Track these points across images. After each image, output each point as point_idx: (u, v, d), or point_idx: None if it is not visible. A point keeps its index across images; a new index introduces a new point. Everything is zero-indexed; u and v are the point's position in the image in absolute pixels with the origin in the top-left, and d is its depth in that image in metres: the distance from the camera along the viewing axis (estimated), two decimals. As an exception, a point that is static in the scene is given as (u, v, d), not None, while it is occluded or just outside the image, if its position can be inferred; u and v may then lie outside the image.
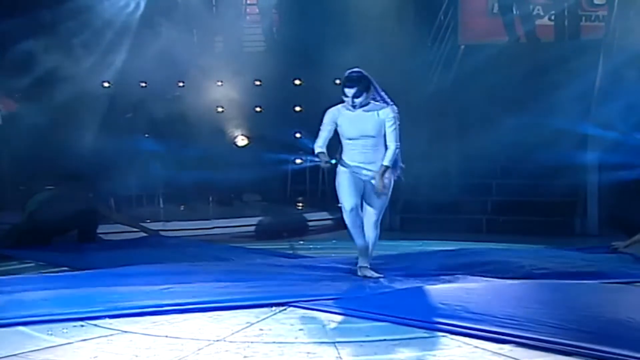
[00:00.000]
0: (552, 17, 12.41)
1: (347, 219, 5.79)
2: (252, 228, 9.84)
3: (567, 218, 8.96)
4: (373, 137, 5.70)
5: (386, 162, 5.68)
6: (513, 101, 10.36)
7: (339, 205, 5.86)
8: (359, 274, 5.80)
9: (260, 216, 10.30)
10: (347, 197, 5.76)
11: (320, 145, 5.82)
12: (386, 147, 5.70)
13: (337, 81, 12.16)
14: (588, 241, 8.19)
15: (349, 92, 5.68)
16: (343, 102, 5.77)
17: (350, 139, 5.74)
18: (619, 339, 3.87)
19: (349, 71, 5.74)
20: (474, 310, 4.51)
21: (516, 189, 9.31)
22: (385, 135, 5.69)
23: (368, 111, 5.72)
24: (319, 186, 11.90)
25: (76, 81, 10.85)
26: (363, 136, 5.70)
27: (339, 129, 5.77)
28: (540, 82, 10.58)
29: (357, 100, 5.67)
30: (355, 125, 5.71)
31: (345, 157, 5.76)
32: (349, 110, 5.73)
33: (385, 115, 5.70)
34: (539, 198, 9.17)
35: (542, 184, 9.18)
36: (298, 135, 12.02)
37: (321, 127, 5.85)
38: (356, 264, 5.90)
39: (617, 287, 5.41)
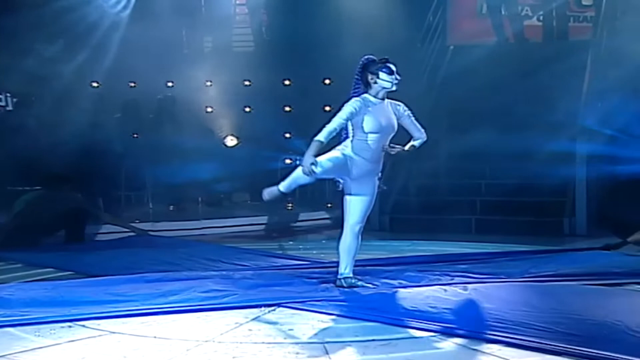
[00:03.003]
0: (541, 18, 12.46)
1: (356, 239, 5.37)
2: (242, 228, 9.82)
3: (556, 218, 8.98)
4: (394, 132, 5.34)
5: (417, 143, 5.44)
6: (502, 102, 10.39)
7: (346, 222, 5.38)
8: (345, 284, 5.42)
9: (254, 216, 10.31)
10: (364, 212, 5.35)
11: (323, 137, 5.11)
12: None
13: (327, 81, 12.27)
14: (576, 241, 8.22)
15: (393, 67, 5.26)
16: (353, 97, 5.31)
17: (372, 133, 5.23)
18: (606, 342, 3.89)
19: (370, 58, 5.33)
20: (462, 313, 4.52)
21: (505, 189, 9.32)
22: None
23: (389, 104, 5.36)
24: (309, 186, 11.89)
25: (65, 81, 10.81)
26: (386, 131, 5.27)
27: (361, 121, 5.22)
28: (529, 82, 10.61)
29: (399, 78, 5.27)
30: (382, 116, 5.25)
31: (357, 152, 5.28)
32: (376, 100, 5.28)
33: (404, 109, 5.41)
34: (528, 198, 9.19)
35: (531, 184, 9.20)
36: (287, 135, 12.02)
37: (339, 115, 5.19)
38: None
39: (605, 290, 5.42)
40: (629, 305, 4.78)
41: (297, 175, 5.32)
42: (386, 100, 5.38)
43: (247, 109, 12.53)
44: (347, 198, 5.43)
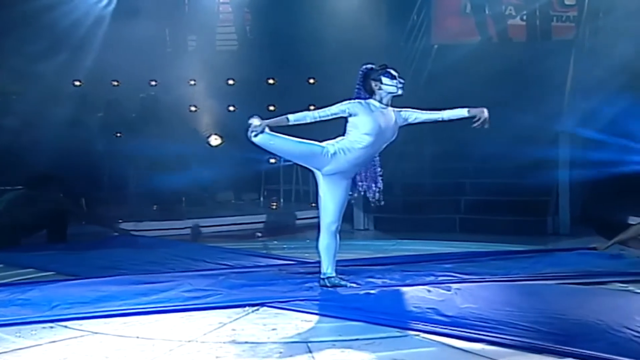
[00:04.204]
0: (524, 17, 12.53)
1: (333, 238, 5.41)
2: (225, 228, 9.81)
3: (540, 217, 9.02)
4: (392, 138, 5.43)
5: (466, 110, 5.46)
6: (485, 101, 10.37)
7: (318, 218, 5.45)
8: (328, 284, 5.44)
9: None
10: (338, 211, 5.39)
11: (293, 118, 5.25)
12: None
13: (311, 80, 12.26)
14: (560, 240, 8.26)
15: (394, 72, 5.39)
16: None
17: (368, 135, 5.27)
18: (588, 340, 3.92)
19: (369, 66, 5.42)
20: (445, 313, 4.55)
21: (489, 189, 9.36)
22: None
23: (393, 112, 5.43)
24: (293, 186, 11.91)
25: (46, 79, 10.73)
26: (383, 136, 5.34)
27: (359, 122, 5.28)
28: (512, 82, 10.67)
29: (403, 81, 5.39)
30: (382, 121, 5.31)
31: (344, 149, 5.33)
32: (380, 106, 5.35)
33: (406, 111, 5.45)
34: (512, 197, 9.22)
35: (515, 184, 9.24)
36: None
37: (329, 108, 5.28)
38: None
39: (588, 289, 5.46)
40: (611, 305, 4.81)
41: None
42: (390, 108, 5.44)
43: (231, 108, 12.50)
44: (320, 196, 5.47)
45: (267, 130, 5.28)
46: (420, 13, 12.16)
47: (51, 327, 4.49)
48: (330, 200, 5.42)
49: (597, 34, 10.69)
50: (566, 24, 12.34)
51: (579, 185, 9.13)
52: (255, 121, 5.30)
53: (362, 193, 5.60)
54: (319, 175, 5.45)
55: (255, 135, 5.29)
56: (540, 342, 3.91)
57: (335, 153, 5.33)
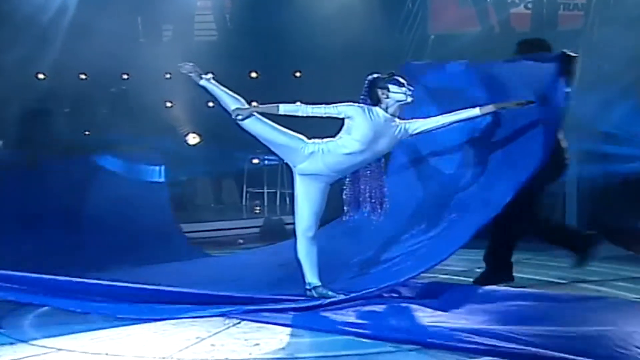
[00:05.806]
0: (528, 6, 12.59)
1: (311, 245, 5.41)
2: (205, 234, 9.80)
3: (545, 221, 9.03)
4: (385, 152, 5.46)
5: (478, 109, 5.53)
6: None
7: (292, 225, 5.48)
8: (315, 294, 5.42)
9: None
10: (314, 216, 5.42)
11: (283, 108, 5.30)
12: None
13: (297, 74, 12.25)
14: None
15: (403, 80, 5.43)
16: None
17: (358, 142, 5.29)
18: (590, 355, 3.92)
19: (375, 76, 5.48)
20: (441, 325, 4.55)
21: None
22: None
23: (396, 125, 5.41)
24: (278, 189, 11.92)
25: (7, 72, 10.68)
26: (373, 147, 5.32)
27: (354, 126, 5.29)
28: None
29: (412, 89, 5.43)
30: (378, 130, 5.32)
31: (326, 150, 5.36)
32: (383, 115, 5.35)
33: (408, 123, 5.46)
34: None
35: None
36: (255, 132, 11.98)
37: (326, 106, 5.31)
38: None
39: (592, 301, 5.47)
40: (616, 317, 4.80)
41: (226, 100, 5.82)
42: (397, 119, 5.45)
43: (211, 104, 12.47)
44: (296, 196, 5.49)
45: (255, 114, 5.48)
46: (416, 1, 12.21)
47: (11, 344, 4.44)
48: (304, 203, 5.43)
49: (608, 23, 10.73)
50: (574, 12, 12.40)
51: (588, 188, 9.15)
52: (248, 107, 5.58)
53: (366, 215, 5.59)
54: (295, 172, 5.50)
55: (242, 120, 5.51)
56: (540, 355, 3.92)
57: (313, 152, 5.36)
